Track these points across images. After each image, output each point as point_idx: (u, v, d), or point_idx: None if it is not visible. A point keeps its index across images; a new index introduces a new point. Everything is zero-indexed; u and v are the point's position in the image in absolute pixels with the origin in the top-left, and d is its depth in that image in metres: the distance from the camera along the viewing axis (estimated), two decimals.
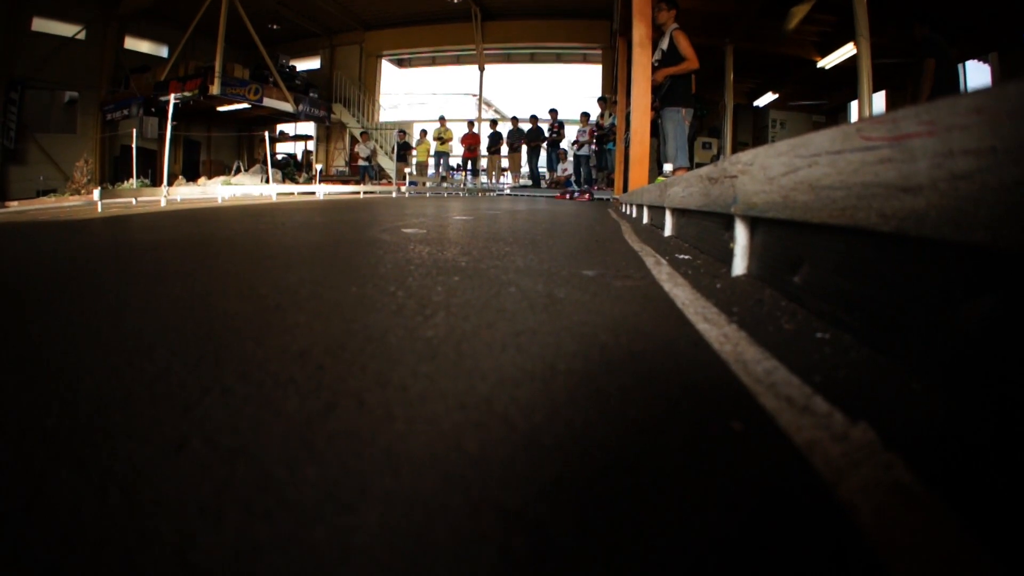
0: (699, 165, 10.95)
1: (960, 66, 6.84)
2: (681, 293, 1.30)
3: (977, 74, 9.02)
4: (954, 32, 6.62)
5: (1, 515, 0.48)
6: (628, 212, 4.81)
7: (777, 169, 1.24)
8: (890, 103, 11.48)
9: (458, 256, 1.94)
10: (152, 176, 14.38)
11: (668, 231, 2.49)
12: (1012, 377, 0.64)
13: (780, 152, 1.23)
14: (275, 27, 17.49)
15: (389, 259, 1.89)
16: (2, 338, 1.04)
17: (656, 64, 5.85)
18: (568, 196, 11.61)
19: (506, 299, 1.26)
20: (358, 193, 12.19)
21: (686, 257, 1.88)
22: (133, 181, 13.49)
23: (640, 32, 4.89)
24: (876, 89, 7.37)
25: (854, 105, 12.17)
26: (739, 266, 1.55)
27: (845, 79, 8.59)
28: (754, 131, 14.20)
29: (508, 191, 14.66)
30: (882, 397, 0.72)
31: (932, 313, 0.81)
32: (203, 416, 0.67)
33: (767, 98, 13.00)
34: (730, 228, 1.62)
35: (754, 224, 1.50)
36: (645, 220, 3.37)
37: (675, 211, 2.43)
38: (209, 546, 0.44)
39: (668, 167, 3.71)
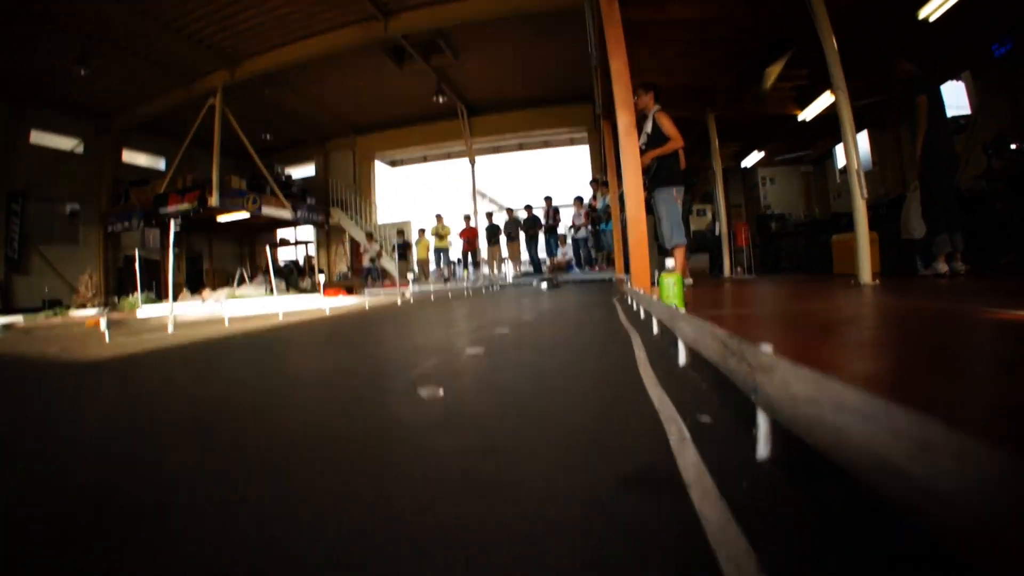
0: (696, 232, 10.86)
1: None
2: (711, 514, 1.06)
3: (952, 94, 8.94)
4: (927, 59, 6.67)
5: None
6: (635, 307, 4.65)
7: (800, 393, 1.07)
8: (873, 142, 11.60)
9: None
10: (157, 288, 14.39)
11: (682, 359, 2.31)
12: None
13: (803, 378, 1.06)
14: (268, 137, 18.19)
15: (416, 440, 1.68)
16: None
17: (643, 147, 5.89)
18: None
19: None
20: (363, 305, 12.15)
21: (707, 420, 1.67)
22: (138, 295, 13.52)
23: (624, 121, 4.96)
24: (858, 130, 7.36)
25: (839, 149, 12.28)
26: (763, 450, 1.35)
27: (827, 126, 8.60)
28: (745, 190, 14.36)
29: (511, 282, 14.53)
30: None
31: None
32: None
33: (754, 157, 13.19)
34: (750, 405, 1.43)
35: (775, 423, 1.31)
36: (655, 330, 3.22)
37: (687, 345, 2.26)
38: None
39: (670, 263, 3.59)
